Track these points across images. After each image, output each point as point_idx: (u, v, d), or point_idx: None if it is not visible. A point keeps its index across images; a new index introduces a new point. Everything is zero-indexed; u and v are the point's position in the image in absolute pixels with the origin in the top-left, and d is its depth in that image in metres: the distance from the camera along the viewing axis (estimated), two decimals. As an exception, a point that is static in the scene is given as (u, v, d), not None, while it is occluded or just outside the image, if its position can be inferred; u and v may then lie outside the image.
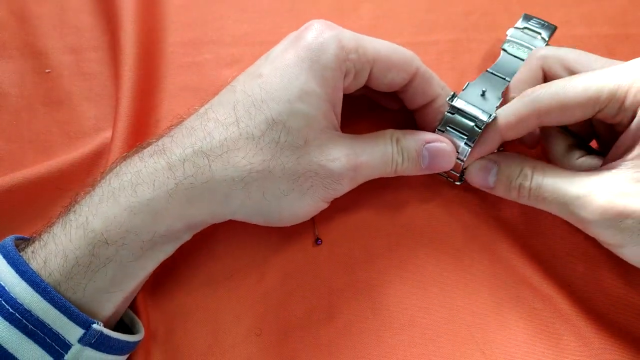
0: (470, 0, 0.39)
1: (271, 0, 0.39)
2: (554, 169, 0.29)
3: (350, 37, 0.28)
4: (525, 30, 0.35)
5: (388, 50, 0.29)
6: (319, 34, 0.28)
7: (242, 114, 0.27)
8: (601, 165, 0.29)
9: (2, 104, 0.36)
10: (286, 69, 0.27)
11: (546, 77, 0.31)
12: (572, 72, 0.29)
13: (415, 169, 0.30)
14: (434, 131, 0.31)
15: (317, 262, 0.33)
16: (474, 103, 0.30)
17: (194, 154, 0.26)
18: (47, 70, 0.37)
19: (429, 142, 0.30)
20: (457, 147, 0.30)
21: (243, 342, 0.31)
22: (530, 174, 0.29)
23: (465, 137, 0.30)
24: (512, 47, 0.34)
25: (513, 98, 0.31)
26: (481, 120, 0.30)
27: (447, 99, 0.31)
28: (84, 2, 0.39)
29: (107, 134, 0.35)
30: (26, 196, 0.33)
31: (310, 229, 0.33)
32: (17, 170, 0.33)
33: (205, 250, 0.33)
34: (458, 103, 0.30)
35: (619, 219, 0.25)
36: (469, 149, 0.30)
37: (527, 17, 0.36)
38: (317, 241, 0.33)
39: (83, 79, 0.37)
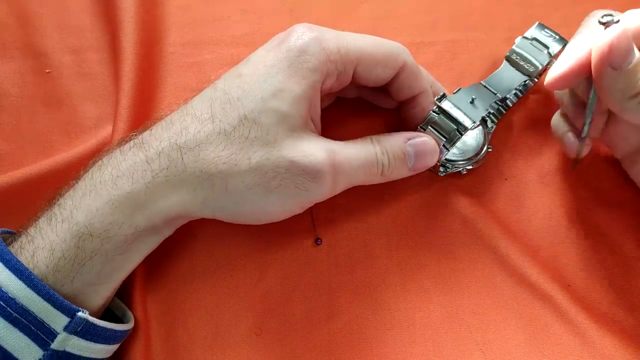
0: (470, 0, 0.39)
1: (271, 1, 0.39)
2: None
3: (331, 38, 0.28)
4: (534, 42, 0.34)
5: (372, 46, 0.29)
6: (300, 37, 0.28)
7: (217, 111, 0.27)
8: None
9: (2, 104, 0.36)
10: (264, 69, 0.28)
11: None
12: None
13: (403, 170, 0.30)
14: (415, 130, 0.31)
15: (317, 262, 0.33)
16: (462, 108, 0.30)
17: (169, 147, 0.27)
18: (47, 71, 0.37)
19: (410, 139, 0.30)
20: None
21: (243, 341, 0.31)
22: None
23: (444, 140, 0.30)
24: (516, 57, 0.34)
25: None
26: (463, 126, 0.29)
27: (436, 98, 0.31)
28: (84, 2, 0.39)
29: (107, 133, 0.35)
30: (26, 195, 0.32)
31: (310, 229, 0.33)
32: (17, 170, 0.33)
33: (206, 249, 0.33)
34: (445, 104, 0.30)
35: None
36: (446, 152, 0.30)
37: (540, 27, 0.34)
38: (317, 241, 0.33)
39: (83, 79, 0.37)
